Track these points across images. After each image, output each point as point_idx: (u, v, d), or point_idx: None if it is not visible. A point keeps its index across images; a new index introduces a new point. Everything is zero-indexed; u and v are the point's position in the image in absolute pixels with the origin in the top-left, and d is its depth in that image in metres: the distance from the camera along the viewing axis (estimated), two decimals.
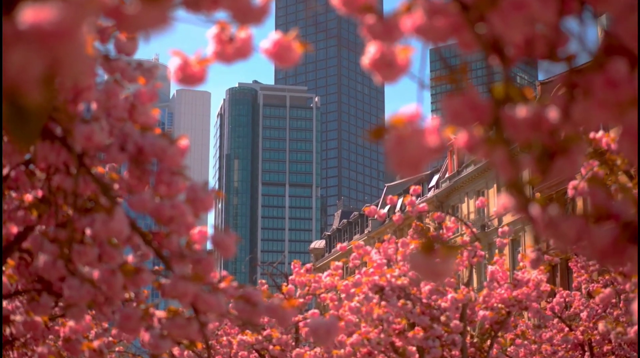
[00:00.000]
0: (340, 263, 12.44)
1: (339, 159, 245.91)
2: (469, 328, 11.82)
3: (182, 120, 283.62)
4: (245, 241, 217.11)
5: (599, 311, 14.08)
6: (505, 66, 1.68)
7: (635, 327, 6.11)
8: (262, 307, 3.06)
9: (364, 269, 11.31)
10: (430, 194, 61.35)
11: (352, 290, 11.16)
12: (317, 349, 11.91)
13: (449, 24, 1.66)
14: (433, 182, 64.58)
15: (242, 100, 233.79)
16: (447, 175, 60.98)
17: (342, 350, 11.15)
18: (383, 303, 10.94)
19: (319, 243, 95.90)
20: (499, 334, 12.26)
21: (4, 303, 4.14)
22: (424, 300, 11.11)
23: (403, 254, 11.50)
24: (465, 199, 57.01)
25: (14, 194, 3.52)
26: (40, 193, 3.45)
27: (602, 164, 5.02)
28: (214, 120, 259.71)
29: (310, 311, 10.61)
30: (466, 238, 12.07)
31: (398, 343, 11.17)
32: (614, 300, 13.00)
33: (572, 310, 14.88)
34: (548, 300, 14.03)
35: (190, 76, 2.47)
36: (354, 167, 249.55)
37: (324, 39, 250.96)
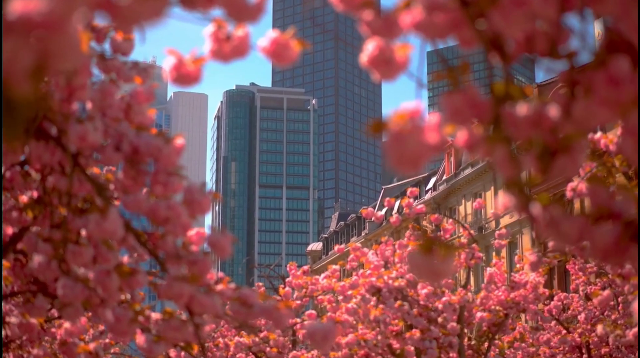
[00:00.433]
0: (337, 266, 12.42)
1: (336, 162, 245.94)
2: (466, 331, 11.80)
3: (179, 122, 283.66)
4: (242, 244, 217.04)
5: (597, 313, 14.06)
6: (505, 63, 1.65)
7: (634, 329, 6.09)
8: (258, 309, 3.04)
9: (361, 271, 11.29)
10: (427, 196, 61.33)
11: (349, 292, 11.13)
12: (314, 351, 11.89)
13: (449, 20, 1.63)
14: (430, 184, 64.57)
15: (240, 102, 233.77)
16: (444, 177, 60.97)
17: (339, 352, 11.12)
18: (380, 304, 10.92)
19: (316, 246, 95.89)
20: (497, 336, 12.25)
21: None
22: (422, 302, 11.09)
23: (400, 256, 11.49)
24: (463, 201, 57.00)
25: (8, 194, 3.49)
26: (35, 194, 3.42)
27: (601, 166, 4.99)
28: (211, 122, 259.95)
29: (307, 313, 10.56)
30: (464, 240, 12.06)
31: (395, 344, 11.15)
32: (612, 303, 12.99)
33: (569, 312, 14.86)
34: (545, 303, 14.01)
35: (185, 75, 2.44)
36: (351, 169, 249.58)
37: (321, 41, 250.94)
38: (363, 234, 73.36)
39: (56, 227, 3.22)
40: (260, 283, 16.71)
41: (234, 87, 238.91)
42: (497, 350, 13.42)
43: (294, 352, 12.57)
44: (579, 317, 14.44)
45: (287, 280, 13.03)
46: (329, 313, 11.66)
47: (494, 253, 12.96)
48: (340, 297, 11.43)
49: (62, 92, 2.94)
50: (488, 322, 11.59)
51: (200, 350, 3.32)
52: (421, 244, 1.68)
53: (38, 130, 2.98)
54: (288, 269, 13.11)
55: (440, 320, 11.05)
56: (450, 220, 12.47)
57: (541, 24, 1.65)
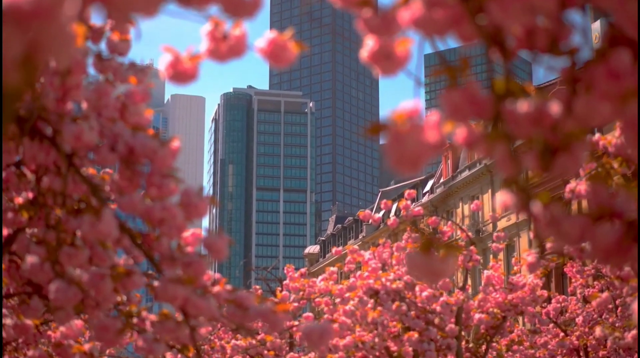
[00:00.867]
0: (335, 269, 12.40)
1: (333, 165, 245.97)
2: (463, 333, 11.78)
3: (176, 125, 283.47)
4: (240, 247, 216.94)
5: (595, 316, 14.06)
6: (505, 59, 1.63)
7: (633, 332, 6.07)
8: (254, 312, 3.01)
9: (358, 273, 11.27)
10: (424, 199, 61.32)
11: (347, 294, 11.11)
12: (312, 354, 11.86)
13: (448, 16, 1.61)
14: (428, 187, 64.56)
15: (237, 105, 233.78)
16: (441, 180, 60.97)
17: (337, 355, 11.10)
18: (378, 307, 10.90)
19: (314, 249, 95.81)
20: (494, 339, 12.23)
21: None
22: (419, 304, 11.07)
23: (398, 258, 11.47)
24: (460, 204, 56.99)
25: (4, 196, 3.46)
26: (30, 195, 3.39)
27: (600, 168, 4.97)
28: (208, 125, 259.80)
29: (304, 315, 10.55)
30: (461, 242, 12.04)
31: (393, 347, 11.12)
32: (610, 306, 12.98)
33: (567, 315, 14.85)
34: (543, 305, 14.00)
35: (182, 73, 2.41)
36: (349, 172, 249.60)
37: (319, 44, 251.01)
38: (360, 237, 73.34)
39: (51, 228, 3.19)
40: (258, 286, 16.69)
41: (232, 90, 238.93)
42: (494, 352, 13.40)
43: (291, 354, 12.54)
44: (576, 320, 14.43)
45: (284, 282, 13.01)
46: (326, 316, 11.64)
47: (491, 256, 12.95)
48: (337, 300, 11.41)
49: (57, 91, 2.92)
50: (486, 324, 11.57)
51: (196, 353, 3.30)
52: (420, 244, 1.65)
53: (33, 130, 2.96)
54: (285, 271, 13.09)
55: (436, 321, 11.03)
56: (449, 222, 12.45)
57: (542, 20, 1.63)
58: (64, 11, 0.96)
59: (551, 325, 14.56)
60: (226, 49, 2.28)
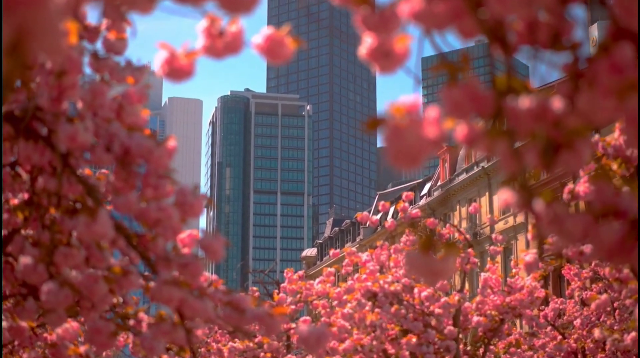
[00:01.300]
0: (332, 270, 12.37)
1: (330, 168, 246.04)
2: (461, 336, 11.76)
3: (173, 128, 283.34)
4: (237, 249, 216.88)
5: (593, 319, 14.04)
6: (507, 55, 1.60)
7: (632, 334, 6.05)
8: (250, 314, 2.98)
9: (356, 276, 11.24)
10: (422, 202, 61.34)
11: (345, 297, 11.08)
12: (309, 357, 11.83)
13: (449, 9, 1.58)
14: (425, 190, 64.59)
15: (234, 108, 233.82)
16: (439, 183, 60.98)
17: (334, 357, 11.06)
18: (376, 309, 10.87)
19: (311, 251, 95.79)
20: (492, 342, 12.20)
21: None
22: (417, 307, 11.04)
23: (396, 260, 11.45)
24: (457, 207, 57.01)
25: None
26: (26, 196, 3.36)
27: (599, 170, 4.95)
28: (205, 128, 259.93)
29: (301, 318, 10.52)
30: (459, 244, 12.01)
31: (391, 350, 11.09)
32: (608, 309, 12.97)
33: (565, 317, 14.84)
34: (540, 308, 13.98)
35: (178, 69, 2.38)
36: (346, 175, 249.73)
37: (316, 47, 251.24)
38: (357, 240, 73.31)
39: (46, 229, 3.16)
40: (255, 288, 16.65)
41: (229, 93, 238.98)
42: (492, 355, 13.37)
43: (289, 356, 12.51)
44: (574, 323, 14.42)
45: (281, 285, 12.98)
46: (323, 319, 11.62)
47: (488, 259, 12.93)
48: (335, 302, 11.38)
49: (53, 90, 2.89)
50: (484, 326, 11.55)
51: (193, 355, 3.27)
52: (420, 242, 1.62)
53: (27, 130, 2.93)
54: (285, 274, 13.06)
55: (433, 322, 11.00)
56: (447, 225, 12.42)
57: (543, 15, 1.60)
58: (54, 0, 0.94)
59: (549, 328, 14.54)
60: (222, 45, 2.24)
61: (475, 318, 11.49)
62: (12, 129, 2.95)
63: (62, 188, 2.94)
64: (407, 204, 11.61)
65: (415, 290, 11.04)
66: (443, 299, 11.01)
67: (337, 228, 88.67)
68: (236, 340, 12.97)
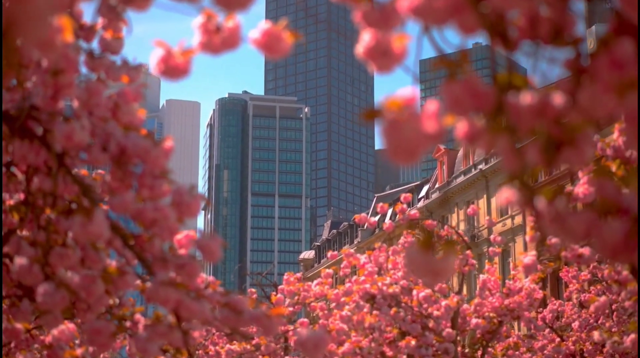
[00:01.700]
0: (330, 271, 12.34)
1: (328, 170, 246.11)
2: (459, 338, 11.73)
3: (171, 130, 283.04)
4: (235, 252, 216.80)
5: (591, 321, 14.02)
6: (508, 50, 1.57)
7: (631, 336, 6.02)
8: (248, 315, 2.95)
9: (354, 277, 11.21)
10: (420, 204, 61.32)
11: (343, 299, 11.05)
12: None
13: (449, 4, 1.55)
14: (423, 192, 64.59)
15: (232, 110, 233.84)
16: (437, 186, 60.99)
17: None
18: (374, 311, 10.85)
19: (309, 254, 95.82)
20: (490, 344, 12.18)
21: None
22: (415, 309, 11.02)
23: (394, 262, 11.42)
24: (455, 209, 57.01)
25: None
26: (22, 196, 3.33)
27: (598, 167, 4.92)
28: (203, 130, 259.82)
29: (299, 320, 10.49)
30: (457, 246, 11.99)
31: (388, 352, 11.06)
32: (606, 311, 12.95)
33: (563, 320, 14.82)
34: (539, 310, 13.96)
35: (174, 67, 2.35)
36: (344, 178, 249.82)
37: (314, 50, 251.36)
38: (355, 242, 73.28)
39: (42, 229, 3.14)
40: (253, 290, 16.61)
41: (227, 95, 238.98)
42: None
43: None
44: (572, 325, 14.39)
45: (279, 287, 12.94)
46: (321, 321, 11.58)
47: (486, 261, 12.91)
48: (332, 304, 11.35)
49: (48, 89, 2.86)
50: (482, 329, 11.52)
51: (190, 357, 3.24)
52: (419, 240, 1.59)
53: (23, 129, 2.90)
54: (284, 279, 13.01)
55: (431, 324, 10.98)
56: (445, 226, 12.40)
57: (545, 9, 1.57)
58: None
59: (547, 330, 14.51)
60: (219, 42, 2.22)
61: (474, 320, 11.46)
62: (7, 128, 2.93)
63: (57, 188, 2.92)
64: (405, 206, 11.59)
65: (414, 292, 11.01)
66: (444, 303, 10.99)
67: (335, 231, 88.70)
68: (234, 342, 12.94)
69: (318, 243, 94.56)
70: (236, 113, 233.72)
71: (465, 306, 11.66)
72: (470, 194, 55.09)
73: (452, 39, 1.70)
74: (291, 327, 12.14)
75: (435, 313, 10.98)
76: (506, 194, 1.63)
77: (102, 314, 3.27)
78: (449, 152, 60.44)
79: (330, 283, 12.32)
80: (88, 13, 3.28)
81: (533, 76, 1.62)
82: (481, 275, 11.93)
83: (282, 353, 13.10)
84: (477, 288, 11.84)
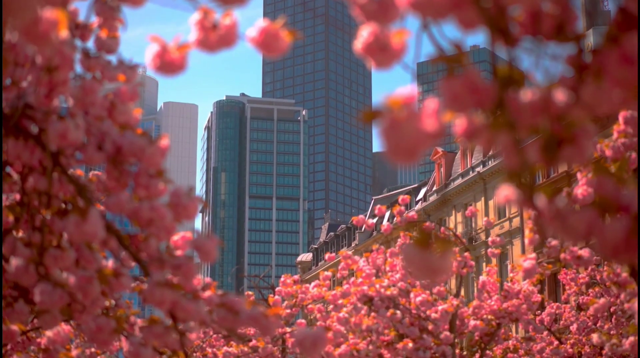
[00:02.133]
0: (329, 273, 12.32)
1: (326, 173, 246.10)
2: (457, 341, 11.70)
3: (169, 133, 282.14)
4: (232, 254, 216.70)
5: (590, 324, 14.01)
6: (509, 46, 1.55)
7: (631, 338, 5.99)
8: (245, 316, 2.92)
9: (352, 279, 11.19)
10: (417, 207, 61.31)
11: (340, 301, 11.03)
12: None
13: None
14: (421, 195, 64.58)
15: (230, 113, 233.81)
16: (434, 188, 61.00)
17: None
18: (372, 313, 10.82)
19: (306, 256, 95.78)
20: (489, 346, 12.15)
21: None
22: (414, 311, 10.99)
23: (392, 264, 11.40)
24: (453, 212, 57.02)
25: None
26: (17, 196, 3.30)
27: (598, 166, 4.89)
28: (201, 133, 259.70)
29: (297, 322, 10.47)
30: (455, 248, 11.97)
31: (386, 354, 11.04)
32: (605, 314, 12.93)
33: (562, 322, 14.81)
34: (537, 313, 13.95)
35: (169, 63, 2.32)
36: (342, 180, 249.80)
37: (312, 52, 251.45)
38: (353, 245, 73.28)
39: (37, 230, 3.11)
40: (251, 293, 16.58)
41: (224, 98, 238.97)
42: None
43: None
44: (571, 328, 14.38)
45: (276, 289, 12.92)
46: (319, 323, 11.56)
47: (484, 263, 12.91)
48: (330, 306, 11.33)
49: (43, 87, 2.83)
50: (480, 331, 11.49)
51: None
52: (417, 237, 1.56)
53: (17, 128, 2.87)
54: (280, 281, 12.98)
55: (430, 327, 10.96)
56: (442, 228, 12.38)
57: (547, 5, 1.55)
58: None
59: (545, 333, 14.50)
60: (216, 38, 2.19)
61: (472, 322, 11.44)
62: (2, 127, 2.90)
63: (52, 188, 2.89)
64: (403, 207, 11.57)
65: (411, 295, 10.99)
66: (441, 307, 10.97)
67: (332, 233, 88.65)
68: (231, 344, 12.91)
69: (315, 246, 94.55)
70: (234, 116, 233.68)
71: (463, 308, 11.64)
72: (468, 197, 55.09)
73: (452, 37, 1.68)
74: (289, 329, 12.12)
75: (433, 315, 10.96)
76: (506, 192, 1.60)
77: (98, 315, 3.24)
78: (447, 154, 60.46)
79: (328, 285, 12.30)
80: (84, 13, 3.26)
81: (534, 72, 1.60)
82: (481, 277, 11.91)
83: (280, 355, 13.08)
84: (476, 290, 11.81)
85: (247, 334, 11.99)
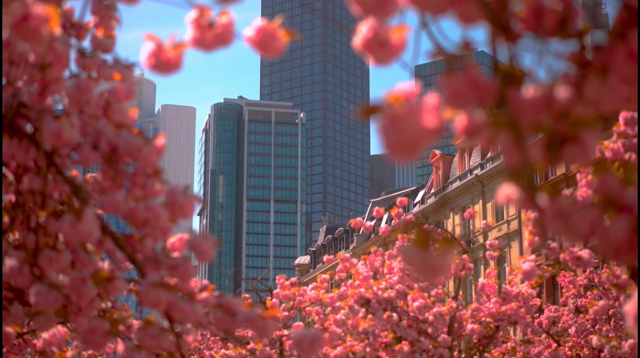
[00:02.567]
0: (326, 276, 12.29)
1: (324, 175, 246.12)
2: (455, 343, 11.68)
3: (167, 136, 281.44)
4: (230, 257, 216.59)
5: (588, 327, 13.99)
6: (510, 42, 1.52)
7: (630, 341, 5.97)
8: (241, 317, 2.89)
9: (349, 282, 11.17)
10: (415, 209, 61.29)
11: (338, 303, 11.00)
12: None
13: None
14: (418, 197, 64.56)
15: (227, 116, 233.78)
16: (432, 191, 60.98)
17: None
18: (369, 316, 10.79)
19: (304, 259, 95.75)
20: (487, 349, 12.13)
21: None
22: (411, 314, 10.97)
23: (390, 267, 11.37)
24: (451, 215, 57.00)
25: None
26: (13, 197, 3.27)
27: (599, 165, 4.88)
28: (199, 136, 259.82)
29: (294, 325, 10.44)
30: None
31: (384, 357, 11.01)
32: (603, 316, 12.92)
33: (560, 325, 14.79)
34: (535, 316, 13.93)
35: (165, 62, 2.29)
36: (339, 183, 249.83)
37: (309, 55, 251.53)
38: (351, 247, 73.25)
39: (32, 231, 3.07)
40: (248, 295, 16.57)
41: (222, 101, 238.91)
42: None
43: None
44: (569, 330, 14.36)
45: (274, 291, 12.89)
46: (316, 325, 11.53)
47: (482, 266, 12.90)
48: (328, 309, 11.31)
49: (37, 84, 2.80)
50: (479, 334, 11.47)
51: None
52: (417, 237, 1.53)
53: (11, 127, 2.84)
54: (277, 281, 12.97)
55: (429, 330, 10.93)
56: (439, 230, 12.36)
57: (549, 0, 1.52)
58: None
59: (544, 336, 14.48)
60: (212, 37, 2.16)
61: (470, 326, 11.41)
62: (1, 127, 2.87)
63: (46, 187, 2.86)
64: (401, 209, 11.55)
65: (409, 297, 10.96)
66: (435, 309, 10.94)
67: (330, 236, 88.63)
68: (229, 346, 12.89)
69: (313, 249, 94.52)
70: (232, 118, 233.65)
71: (462, 311, 11.61)
72: (465, 200, 55.07)
73: (451, 36, 1.65)
74: (286, 332, 12.09)
75: (431, 318, 10.94)
76: (507, 191, 1.57)
77: (92, 317, 3.21)
78: (445, 157, 60.47)
79: (325, 288, 12.28)
80: (81, 12, 3.23)
81: (536, 70, 1.57)
82: (480, 279, 11.88)
83: None
84: (474, 293, 11.79)
85: (244, 336, 11.97)
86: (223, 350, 13.03)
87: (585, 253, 4.84)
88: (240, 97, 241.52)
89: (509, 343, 14.14)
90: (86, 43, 3.25)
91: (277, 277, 13.24)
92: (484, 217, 50.21)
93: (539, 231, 4.60)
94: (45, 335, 3.91)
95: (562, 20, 1.51)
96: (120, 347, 2.97)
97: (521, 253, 42.29)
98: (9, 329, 3.77)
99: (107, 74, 3.20)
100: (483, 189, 53.03)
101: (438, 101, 1.47)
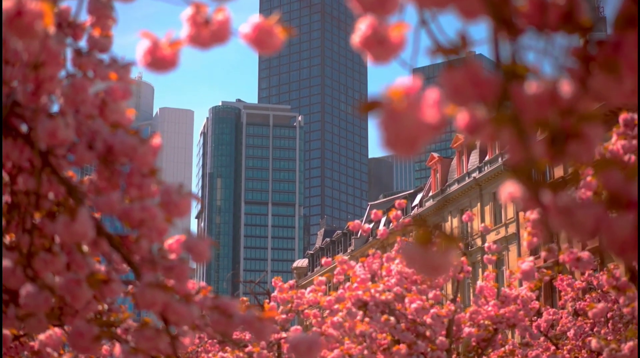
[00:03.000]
0: (323, 278, 12.27)
1: (322, 179, 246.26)
2: (454, 346, 11.65)
3: (165, 139, 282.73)
4: (228, 260, 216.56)
5: (587, 329, 13.98)
6: (512, 37, 1.49)
7: (629, 343, 5.94)
8: (238, 319, 2.85)
9: (347, 284, 11.15)
10: (414, 212, 61.31)
11: (336, 306, 10.98)
12: None
13: None
14: (417, 201, 64.58)
15: (226, 119, 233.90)
16: (430, 194, 60.99)
17: None
18: (367, 318, 10.77)
19: (302, 262, 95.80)
20: (485, 352, 12.10)
21: None
22: (409, 316, 10.94)
23: (388, 269, 11.35)
24: (449, 218, 57.02)
25: None
26: (9, 199, 3.24)
27: (597, 174, 4.84)
28: (197, 139, 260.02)
29: (292, 328, 10.41)
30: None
31: None
32: (602, 319, 12.91)
33: (559, 328, 14.77)
34: (533, 319, 13.92)
35: (160, 59, 2.26)
36: (337, 186, 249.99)
37: (307, 58, 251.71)
38: (349, 250, 73.27)
39: (27, 232, 3.04)
40: (246, 298, 16.55)
41: (220, 104, 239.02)
42: None
43: None
44: (568, 333, 14.35)
45: (272, 294, 12.88)
46: (314, 328, 11.51)
47: (480, 270, 12.89)
48: (326, 312, 11.29)
49: (30, 83, 2.76)
50: (477, 337, 11.44)
51: None
52: (418, 235, 1.50)
53: (6, 126, 2.81)
54: (274, 283, 12.95)
55: (427, 332, 10.91)
56: (437, 232, 12.32)
57: None
58: None
59: (542, 339, 14.46)
60: (208, 34, 2.13)
61: (467, 330, 11.39)
62: (1, 127, 2.84)
63: (41, 188, 2.82)
64: (399, 212, 11.52)
65: (407, 300, 10.94)
66: (432, 310, 10.92)
67: (328, 239, 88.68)
68: (226, 349, 12.86)
69: (311, 252, 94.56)
70: (230, 121, 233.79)
71: (460, 314, 11.59)
72: (464, 203, 55.09)
73: (451, 35, 1.62)
74: (284, 335, 12.06)
75: (429, 320, 10.91)
76: (509, 189, 1.54)
77: (90, 320, 3.18)
78: (443, 160, 60.50)
79: (323, 291, 12.26)
80: (79, 11, 3.20)
81: (539, 65, 1.54)
82: (478, 282, 11.86)
83: None
84: (472, 296, 11.77)
85: (242, 339, 11.94)
86: (221, 353, 13.00)
87: (584, 254, 4.81)
88: (239, 100, 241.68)
89: (507, 346, 14.12)
90: (83, 43, 3.22)
91: (273, 279, 13.23)
92: (482, 220, 50.22)
93: (539, 231, 4.57)
94: (41, 336, 3.88)
95: (565, 14, 1.48)
96: (117, 349, 2.94)
97: (519, 255, 42.31)
98: (5, 332, 3.74)
99: (103, 73, 3.17)
100: (481, 192, 53.05)
101: (438, 95, 1.44)
